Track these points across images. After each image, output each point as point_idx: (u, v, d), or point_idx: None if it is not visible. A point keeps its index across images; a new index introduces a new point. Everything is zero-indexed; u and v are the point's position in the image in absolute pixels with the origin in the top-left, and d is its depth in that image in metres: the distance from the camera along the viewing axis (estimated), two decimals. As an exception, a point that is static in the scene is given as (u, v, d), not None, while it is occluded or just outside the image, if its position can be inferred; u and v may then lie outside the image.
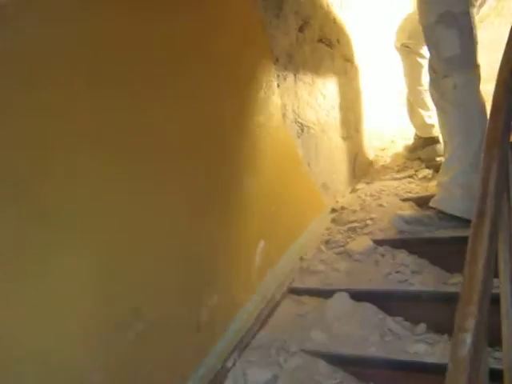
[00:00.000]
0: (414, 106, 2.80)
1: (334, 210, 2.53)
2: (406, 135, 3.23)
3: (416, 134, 2.92)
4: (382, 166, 3.08)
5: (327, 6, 2.57)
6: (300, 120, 2.27)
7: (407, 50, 2.69)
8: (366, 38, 3.05)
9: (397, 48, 2.75)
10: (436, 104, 2.13)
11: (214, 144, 1.72)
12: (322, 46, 2.51)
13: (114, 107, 1.31)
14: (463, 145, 1.98)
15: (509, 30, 1.56)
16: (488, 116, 1.35)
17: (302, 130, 2.29)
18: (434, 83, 2.09)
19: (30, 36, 1.10)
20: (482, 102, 2.01)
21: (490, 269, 0.94)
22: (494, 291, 0.99)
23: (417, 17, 2.41)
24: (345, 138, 2.75)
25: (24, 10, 1.09)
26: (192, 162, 1.60)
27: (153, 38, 1.49)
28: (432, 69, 2.08)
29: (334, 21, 2.65)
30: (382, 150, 3.32)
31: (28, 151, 1.08)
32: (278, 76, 2.12)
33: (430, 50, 2.07)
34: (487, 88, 3.49)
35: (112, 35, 1.33)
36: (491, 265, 0.96)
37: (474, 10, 2.03)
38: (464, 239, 1.06)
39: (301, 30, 2.31)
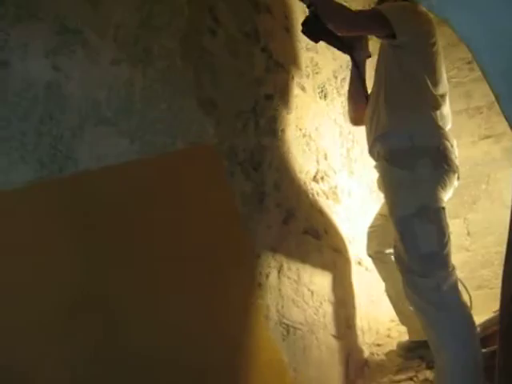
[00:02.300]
0: (404, 309, 2.49)
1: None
2: (402, 328, 2.99)
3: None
4: (378, 365, 2.79)
5: (313, 195, 2.46)
6: (285, 321, 2.04)
7: (381, 255, 2.53)
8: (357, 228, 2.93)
9: (370, 256, 2.60)
10: (414, 305, 1.96)
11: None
12: (308, 238, 2.36)
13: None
14: (453, 364, 1.79)
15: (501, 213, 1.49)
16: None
17: (288, 332, 2.05)
18: (410, 283, 1.93)
19: None
20: (467, 305, 1.89)
21: None
22: None
23: (380, 222, 2.34)
24: (336, 337, 2.49)
25: None
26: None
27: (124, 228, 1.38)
28: (406, 266, 1.93)
29: (321, 211, 2.53)
30: (378, 345, 3.05)
31: None
32: (260, 274, 1.94)
33: (404, 245, 1.93)
34: (484, 272, 3.40)
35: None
36: None
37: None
38: None
39: (285, 222, 2.17)
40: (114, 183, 1.43)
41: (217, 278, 1.73)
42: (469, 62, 3.68)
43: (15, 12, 1.25)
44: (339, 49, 2.32)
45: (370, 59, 2.44)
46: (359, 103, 2.42)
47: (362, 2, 3.21)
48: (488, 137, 3.61)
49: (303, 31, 2.16)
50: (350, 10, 2.12)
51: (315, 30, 2.12)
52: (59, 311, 1.22)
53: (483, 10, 0.84)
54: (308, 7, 2.12)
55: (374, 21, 2.05)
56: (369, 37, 2.42)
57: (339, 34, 2.17)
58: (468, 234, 3.49)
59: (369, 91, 2.37)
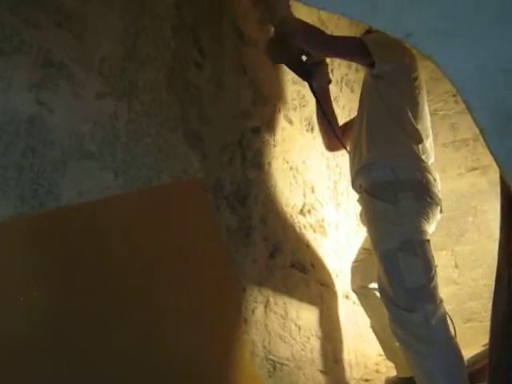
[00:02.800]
0: (390, 344, 2.42)
1: None
2: (390, 362, 2.95)
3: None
4: (367, 401, 2.76)
5: (299, 229, 2.44)
6: (272, 357, 2.00)
7: (365, 290, 2.48)
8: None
9: (354, 291, 2.56)
10: (400, 340, 1.92)
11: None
12: (295, 272, 2.33)
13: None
14: None
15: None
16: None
17: (275, 369, 2.01)
18: (396, 317, 1.90)
19: None
20: (455, 339, 1.86)
21: None
22: None
23: (363, 256, 2.34)
24: (323, 373, 2.45)
25: None
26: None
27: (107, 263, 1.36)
28: (391, 301, 1.90)
29: (308, 244, 2.51)
30: (366, 380, 3.00)
31: None
32: (246, 308, 1.90)
33: (388, 279, 1.90)
34: (472, 305, 3.38)
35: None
36: None
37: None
38: None
39: (271, 256, 2.15)
40: (96, 218, 1.41)
41: (202, 312, 1.69)
42: (454, 95, 3.73)
43: (-1, 45, 1.24)
44: (298, 75, 2.34)
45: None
46: (326, 130, 2.44)
47: (347, 32, 3.25)
48: (475, 169, 3.64)
49: (266, 49, 2.18)
50: (330, 35, 2.15)
51: (278, 51, 2.14)
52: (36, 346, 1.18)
53: (467, 45, 0.84)
54: (275, 28, 2.14)
55: (353, 48, 2.08)
56: (329, 64, 2.45)
57: (305, 59, 2.21)
58: (456, 266, 3.49)
59: (338, 118, 2.42)
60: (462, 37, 0.82)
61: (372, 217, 2.04)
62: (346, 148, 2.38)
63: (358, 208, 3.00)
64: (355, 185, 2.19)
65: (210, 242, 1.80)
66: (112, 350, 1.34)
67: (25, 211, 1.22)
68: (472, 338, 2.64)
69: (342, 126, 2.55)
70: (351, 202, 3.01)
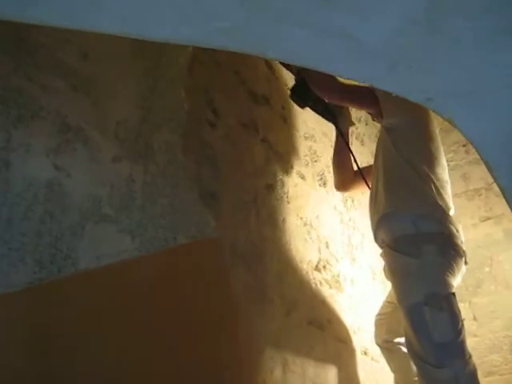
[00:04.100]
0: None
1: None
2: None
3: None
4: None
5: (315, 285, 2.42)
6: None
7: (390, 344, 2.39)
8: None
9: (379, 345, 2.48)
10: None
11: None
12: (312, 329, 2.29)
13: None
14: None
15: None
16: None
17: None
18: (425, 374, 1.84)
19: None
20: None
21: None
22: None
23: (388, 310, 2.29)
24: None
25: None
26: None
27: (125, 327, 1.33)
28: (419, 357, 1.85)
29: (324, 301, 2.48)
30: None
31: None
32: (264, 369, 1.86)
33: (415, 335, 1.86)
34: (493, 358, 3.29)
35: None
36: None
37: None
38: None
39: (288, 313, 2.11)
40: (113, 282, 1.40)
41: (220, 375, 1.66)
42: (464, 145, 3.73)
43: (17, 112, 1.26)
44: (324, 117, 2.36)
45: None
46: (346, 172, 2.44)
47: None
48: (488, 218, 3.61)
49: (291, 96, 2.20)
50: (341, 84, 2.16)
51: (303, 95, 2.16)
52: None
53: (488, 108, 0.84)
54: (296, 75, 2.17)
55: (363, 97, 2.10)
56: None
57: (327, 102, 2.22)
58: (474, 318, 3.42)
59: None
60: (484, 100, 0.82)
61: (395, 271, 2.01)
62: (368, 185, 2.35)
63: (373, 262, 2.98)
64: (377, 239, 2.16)
65: (226, 301, 1.78)
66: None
67: (43, 277, 1.22)
68: (493, 393, 2.57)
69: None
70: (366, 257, 2.98)
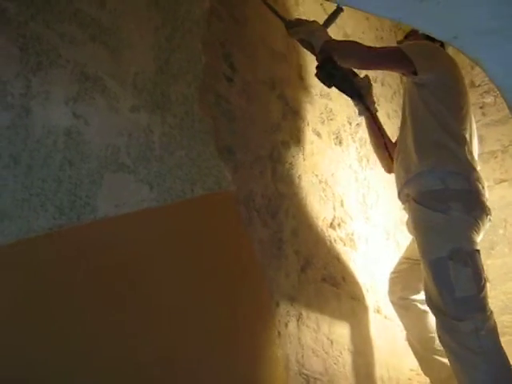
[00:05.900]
0: (428, 357, 2.34)
1: None
2: (423, 377, 2.88)
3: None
4: (400, 418, 2.69)
5: (330, 242, 2.42)
6: (305, 371, 1.97)
7: (406, 301, 2.39)
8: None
9: (393, 302, 2.46)
10: (449, 349, 1.87)
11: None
12: (326, 286, 2.30)
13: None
14: None
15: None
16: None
17: (308, 383, 1.98)
18: (445, 326, 1.85)
19: None
20: (504, 351, 1.79)
21: None
22: None
23: (405, 266, 2.28)
24: (356, 389, 2.41)
25: None
26: None
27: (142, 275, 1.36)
28: (439, 310, 1.86)
29: (338, 258, 2.49)
30: (398, 397, 2.94)
31: None
32: (279, 322, 1.88)
33: (437, 288, 1.86)
34: (504, 319, 3.31)
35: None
36: None
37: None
38: None
39: (303, 269, 2.13)
40: (131, 231, 1.41)
41: (235, 327, 1.68)
42: (481, 107, 3.69)
43: (36, 59, 1.26)
44: (350, 95, 2.32)
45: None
46: (383, 150, 2.40)
47: (373, 40, 3.25)
48: (503, 181, 3.58)
49: (317, 74, 2.16)
50: (367, 46, 2.12)
51: (330, 73, 2.12)
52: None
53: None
54: (319, 54, 2.13)
55: (392, 57, 2.05)
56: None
57: (353, 77, 2.18)
58: (487, 280, 3.42)
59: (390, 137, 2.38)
60: (509, 39, 0.81)
61: (421, 225, 1.99)
62: None
63: (387, 222, 2.98)
64: (402, 194, 2.14)
65: (243, 254, 1.79)
66: (150, 367, 1.34)
67: (63, 223, 1.23)
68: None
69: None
70: (380, 216, 2.98)
